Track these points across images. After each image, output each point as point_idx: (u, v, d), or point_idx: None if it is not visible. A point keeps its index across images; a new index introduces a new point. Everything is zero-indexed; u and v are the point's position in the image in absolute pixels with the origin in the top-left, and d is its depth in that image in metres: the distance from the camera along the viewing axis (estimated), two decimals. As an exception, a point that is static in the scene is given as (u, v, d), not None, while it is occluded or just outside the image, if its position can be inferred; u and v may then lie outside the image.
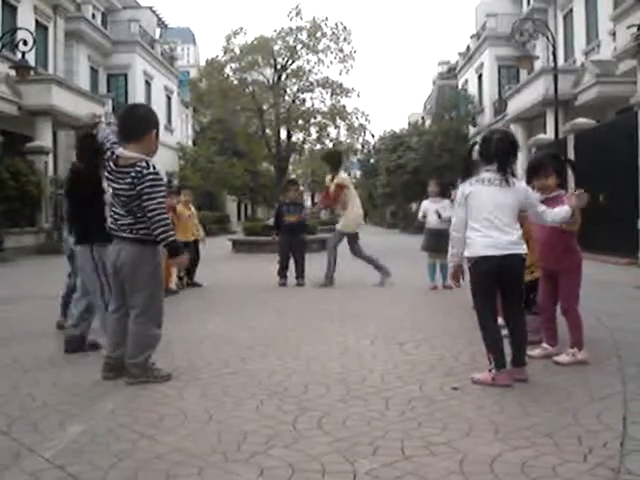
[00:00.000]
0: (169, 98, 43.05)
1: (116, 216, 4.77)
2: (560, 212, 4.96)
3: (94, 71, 34.48)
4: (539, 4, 28.75)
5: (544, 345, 5.52)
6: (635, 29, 10.56)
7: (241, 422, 3.78)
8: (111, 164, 4.73)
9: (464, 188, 4.80)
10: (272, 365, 5.23)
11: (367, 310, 8.30)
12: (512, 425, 3.72)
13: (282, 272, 11.37)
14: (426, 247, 10.87)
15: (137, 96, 35.73)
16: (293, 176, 60.65)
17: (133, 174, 4.58)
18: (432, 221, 10.73)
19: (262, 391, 4.44)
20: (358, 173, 75.05)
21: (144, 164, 4.62)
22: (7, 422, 3.82)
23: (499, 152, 4.74)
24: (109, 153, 4.78)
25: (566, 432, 3.61)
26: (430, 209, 10.84)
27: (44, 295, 9.70)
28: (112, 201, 4.82)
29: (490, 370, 4.67)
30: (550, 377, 4.86)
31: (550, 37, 18.87)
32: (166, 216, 4.68)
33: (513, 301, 4.82)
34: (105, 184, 5.00)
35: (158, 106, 39.15)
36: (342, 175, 11.60)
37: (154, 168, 4.67)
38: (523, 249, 4.70)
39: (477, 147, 4.95)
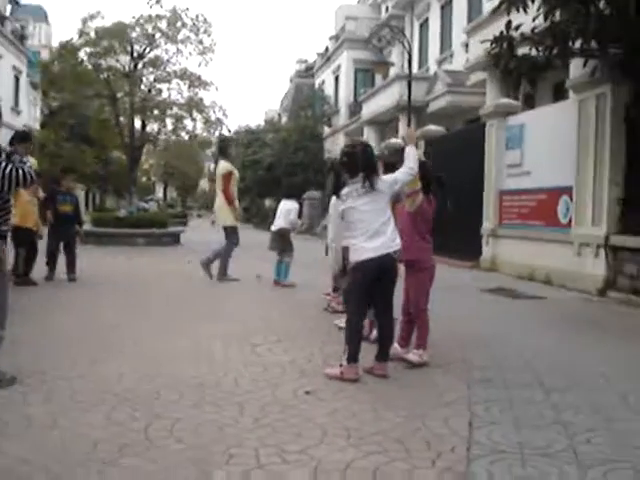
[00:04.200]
0: (17, 79, 40.85)
1: None
2: (407, 159, 5.15)
3: None
4: (397, 11, 29.49)
5: (395, 345, 5.66)
6: (488, 44, 10.99)
7: (89, 430, 3.62)
8: None
9: (337, 205, 5.00)
10: (122, 368, 5.05)
11: (219, 309, 8.22)
12: (364, 430, 3.78)
13: (52, 264, 10.78)
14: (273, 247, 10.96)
15: (-18, 75, 33.72)
16: (146, 166, 59.25)
17: None
18: (279, 222, 10.80)
19: (113, 396, 4.28)
20: (212, 166, 74.43)
21: None
22: None
23: (364, 165, 4.88)
24: None
25: (416, 437, 3.70)
26: (281, 210, 10.91)
27: None
28: None
29: (341, 364, 4.89)
30: (400, 378, 5.00)
31: (406, 44, 19.41)
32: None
33: (386, 299, 5.08)
34: None
35: (5, 87, 37.15)
36: (223, 164, 11.31)
37: None
38: (397, 245, 4.96)
39: (341, 161, 5.06)
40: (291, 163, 37.69)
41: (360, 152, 5.01)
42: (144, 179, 71.18)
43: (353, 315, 5.02)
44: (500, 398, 4.55)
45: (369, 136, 28.61)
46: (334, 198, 5.09)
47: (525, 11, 9.86)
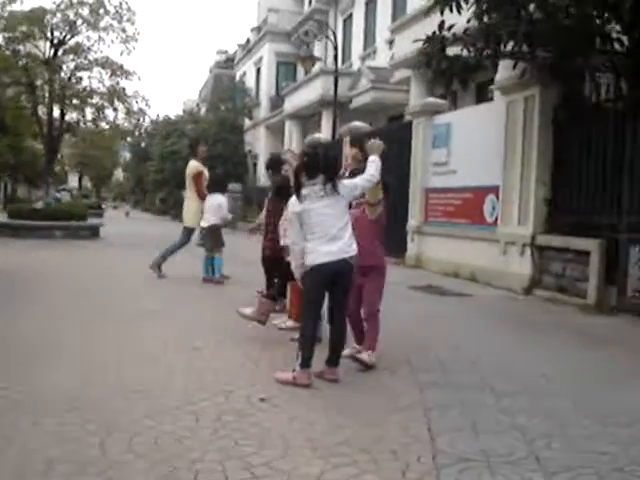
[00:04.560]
0: None
1: None
2: (370, 167, 5.15)
3: None
4: (320, 5, 29.51)
5: (354, 345, 5.69)
6: (415, 42, 11.09)
7: (43, 446, 3.42)
8: None
9: (295, 206, 4.94)
10: (60, 376, 4.81)
11: (153, 309, 8.00)
12: (326, 440, 3.71)
13: None
14: (204, 244, 10.81)
15: None
16: (59, 156, 57.39)
17: None
18: (209, 218, 10.65)
19: (57, 407, 4.07)
20: (128, 156, 72.97)
21: None
22: None
23: (325, 167, 4.82)
24: None
25: (380, 446, 3.66)
26: (211, 205, 10.73)
27: None
28: None
29: (293, 370, 4.82)
30: (351, 382, 4.98)
31: (332, 40, 19.42)
32: None
33: (340, 303, 5.07)
34: None
35: None
36: (193, 163, 11.20)
37: None
38: (353, 251, 4.93)
39: (302, 162, 4.99)
40: (210, 155, 37.23)
41: (322, 154, 4.97)
42: (57, 168, 69.14)
43: (307, 319, 4.94)
44: (452, 402, 4.56)
45: (291, 130, 28.60)
46: (293, 198, 4.99)
47: (459, 12, 9.97)
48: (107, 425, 3.77)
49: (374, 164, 5.19)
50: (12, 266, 11.77)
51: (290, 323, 6.81)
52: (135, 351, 5.71)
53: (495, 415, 4.34)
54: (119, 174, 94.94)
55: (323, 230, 4.85)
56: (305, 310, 5.01)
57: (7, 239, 17.66)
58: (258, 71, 38.33)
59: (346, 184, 5.01)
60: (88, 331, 6.50)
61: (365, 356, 5.46)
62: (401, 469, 3.35)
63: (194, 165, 11.13)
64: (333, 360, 5.01)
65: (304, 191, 4.89)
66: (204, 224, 10.71)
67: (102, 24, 31.17)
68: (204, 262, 10.73)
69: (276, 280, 6.90)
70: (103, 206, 54.46)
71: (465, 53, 10.49)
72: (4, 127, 38.13)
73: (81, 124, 34.18)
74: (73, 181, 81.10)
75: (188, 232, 11.14)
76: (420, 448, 3.65)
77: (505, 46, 10.17)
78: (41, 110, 32.16)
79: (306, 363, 4.80)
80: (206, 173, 11.19)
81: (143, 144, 57.44)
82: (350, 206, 5.32)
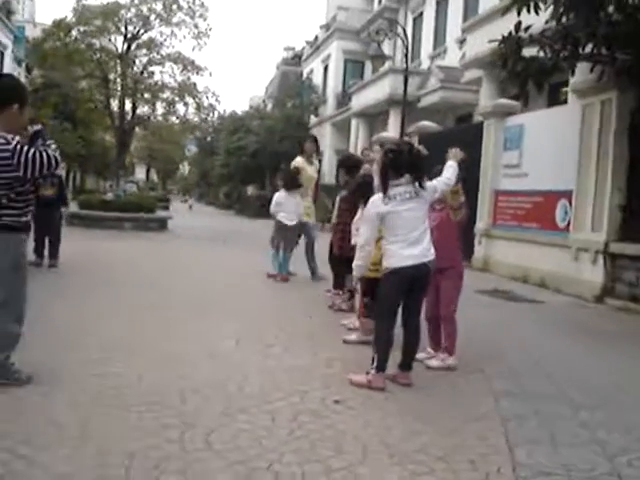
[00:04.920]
0: (2, 54, 40.13)
1: None
2: (447, 171, 5.15)
3: None
4: (390, 3, 29.35)
5: (429, 350, 5.67)
6: (489, 42, 10.92)
7: (123, 440, 3.47)
8: None
9: (379, 207, 4.82)
10: (139, 368, 4.87)
11: (225, 304, 8.08)
12: (403, 447, 3.67)
13: (39, 251, 10.65)
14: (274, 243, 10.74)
15: (-34, 49, 33.04)
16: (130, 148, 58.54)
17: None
18: (287, 216, 10.58)
19: (136, 400, 4.12)
20: (194, 150, 73.93)
21: (2, 140, 4.13)
22: None
23: (412, 166, 4.76)
24: None
25: (458, 455, 3.60)
26: (286, 203, 10.65)
27: None
28: None
29: (367, 372, 4.79)
30: (425, 387, 4.92)
31: (403, 38, 19.29)
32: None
33: (416, 307, 5.02)
34: None
35: (-11, 61, 36.44)
36: (297, 159, 11.15)
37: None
38: (432, 255, 4.86)
39: (386, 159, 4.92)
40: (277, 152, 37.48)
41: (407, 151, 4.90)
42: (127, 160, 70.46)
43: (382, 322, 4.90)
44: (528, 413, 4.47)
45: (357, 128, 28.54)
46: (375, 197, 4.93)
47: (537, 12, 9.78)
48: (185, 421, 3.80)
49: (452, 169, 5.19)
50: (86, 256, 12.04)
51: (358, 323, 6.77)
52: (208, 346, 5.72)
53: (573, 428, 4.24)
54: (185, 168, 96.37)
55: (406, 233, 4.78)
56: (380, 313, 4.97)
57: (77, 228, 18.04)
58: (325, 68, 38.34)
59: (428, 186, 4.94)
60: (163, 324, 6.58)
61: (435, 362, 5.44)
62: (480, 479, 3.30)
63: (295, 160, 11.12)
64: (406, 364, 4.97)
65: (389, 191, 4.80)
66: (292, 223, 10.59)
67: (175, 19, 31.69)
68: (275, 258, 10.69)
69: (366, 299, 6.54)
70: (170, 199, 55.31)
71: (541, 55, 10.28)
72: (75, 119, 39.05)
73: (152, 118, 34.74)
74: (140, 173, 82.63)
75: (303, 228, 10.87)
76: (499, 459, 3.59)
77: (583, 48, 9.95)
78: (113, 103, 32.81)
79: (381, 366, 4.76)
80: (309, 170, 10.93)
81: (209, 139, 58.14)
82: (432, 209, 5.30)
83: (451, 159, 5.27)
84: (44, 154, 4.21)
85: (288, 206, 10.54)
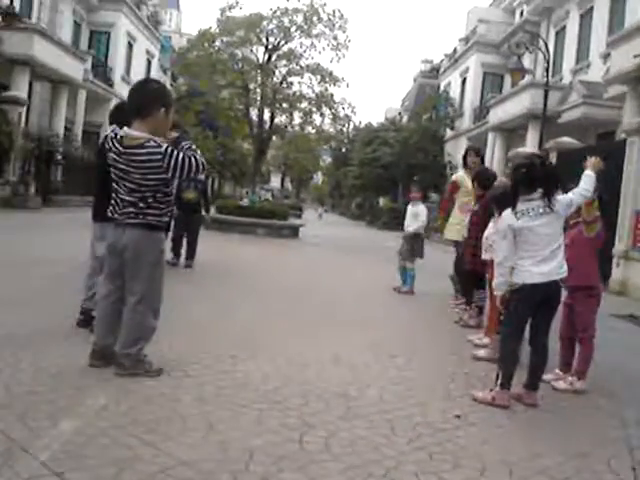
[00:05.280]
0: (149, 62, 42.23)
1: (122, 203, 4.45)
2: (584, 181, 4.91)
3: (77, 25, 33.56)
4: (532, 17, 28.69)
5: (557, 371, 5.51)
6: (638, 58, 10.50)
7: (245, 435, 3.56)
8: (116, 145, 4.40)
9: (512, 221, 4.71)
10: (265, 368, 5.00)
11: (351, 312, 8.16)
12: (524, 467, 3.57)
13: (176, 250, 11.10)
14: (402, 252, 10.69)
15: (118, 57, 34.96)
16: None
17: (144, 157, 4.29)
18: (410, 226, 10.56)
19: (260, 398, 4.23)
20: (328, 160, 74.95)
21: (152, 143, 4.34)
22: (-7, 407, 3.57)
23: (544, 181, 4.64)
24: (112, 134, 4.48)
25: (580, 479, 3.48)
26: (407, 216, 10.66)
27: (13, 258, 9.34)
28: (115, 187, 4.52)
29: (491, 390, 4.70)
30: (551, 410, 4.76)
31: (545, 52, 18.82)
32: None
33: (545, 326, 4.87)
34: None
35: (138, 69, 38.39)
36: (458, 173, 10.78)
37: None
38: (564, 272, 4.73)
39: (517, 174, 4.82)
40: (411, 164, 37.43)
41: (539, 165, 4.77)
42: (263, 168, 72.34)
43: (509, 338, 4.79)
44: (661, 444, 4.25)
45: (494, 142, 28.05)
46: (507, 211, 4.82)
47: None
48: (305, 422, 3.86)
49: (589, 179, 4.93)
50: (220, 258, 12.45)
51: (487, 340, 6.64)
52: (334, 353, 5.77)
53: None
54: (319, 177, 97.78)
55: (537, 250, 4.65)
56: (507, 330, 4.86)
57: (213, 232, 18.72)
58: (463, 81, 37.93)
59: (561, 200, 4.76)
60: (291, 328, 6.73)
61: (562, 384, 5.27)
62: (604, 508, 3.18)
63: (456, 174, 10.53)
64: (532, 384, 4.83)
65: (521, 206, 4.69)
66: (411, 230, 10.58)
67: (315, 31, 32.15)
68: (403, 271, 10.66)
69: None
70: (302, 208, 56.37)
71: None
72: (215, 126, 40.45)
73: (289, 127, 35.47)
74: (275, 181, 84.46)
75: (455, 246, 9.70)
76: (623, 488, 3.44)
77: None
78: (252, 112, 33.69)
79: (506, 384, 4.66)
80: (467, 185, 9.17)
81: (344, 149, 58.77)
82: (565, 226, 5.13)
83: (589, 168, 5.02)
84: (192, 158, 4.40)
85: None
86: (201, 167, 4.49)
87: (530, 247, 4.67)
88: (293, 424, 3.82)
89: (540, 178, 4.67)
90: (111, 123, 5.14)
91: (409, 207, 10.79)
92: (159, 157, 4.32)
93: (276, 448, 3.44)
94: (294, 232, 21.03)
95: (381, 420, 4.07)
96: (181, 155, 4.37)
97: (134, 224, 4.41)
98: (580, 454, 3.87)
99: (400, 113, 57.73)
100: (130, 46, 37.56)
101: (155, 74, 43.77)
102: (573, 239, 5.28)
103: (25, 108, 22.60)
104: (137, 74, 37.83)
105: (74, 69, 25.92)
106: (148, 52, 41.34)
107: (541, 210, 4.63)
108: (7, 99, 21.15)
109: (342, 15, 32.23)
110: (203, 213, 11.59)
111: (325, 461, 3.34)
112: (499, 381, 4.67)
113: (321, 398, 4.38)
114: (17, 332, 5.28)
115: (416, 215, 10.55)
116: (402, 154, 39.09)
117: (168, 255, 10.65)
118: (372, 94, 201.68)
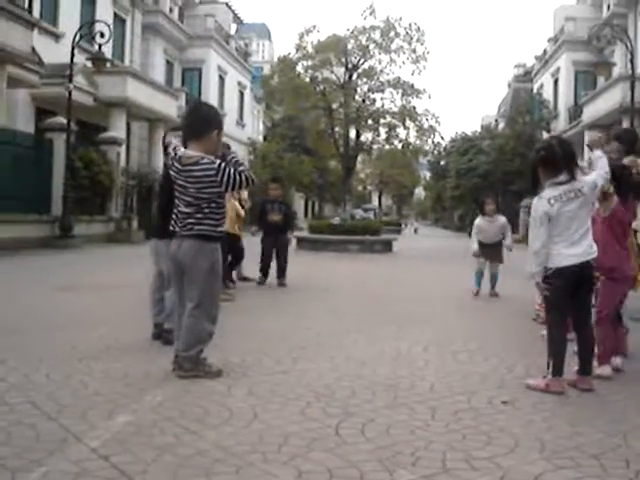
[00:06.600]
0: (242, 93, 43.52)
1: (181, 215, 4.83)
2: (597, 162, 4.94)
3: (169, 65, 35.09)
4: (619, 9, 28.02)
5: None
6: None
7: (285, 423, 3.79)
8: (176, 164, 4.82)
9: (544, 207, 4.72)
10: (323, 367, 5.23)
11: (424, 315, 8.27)
12: (559, 444, 3.63)
13: (264, 270, 11.41)
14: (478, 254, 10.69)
15: (211, 91, 36.24)
16: (362, 175, 60.66)
17: (199, 173, 4.68)
18: (488, 237, 10.59)
19: (309, 392, 4.45)
20: (428, 174, 74.83)
21: (206, 160, 4.70)
22: (57, 408, 3.92)
23: (565, 158, 4.68)
24: (172, 154, 4.88)
25: (614, 454, 3.51)
26: (489, 231, 10.66)
27: (105, 284, 9.92)
28: (176, 202, 4.89)
29: (545, 376, 4.74)
30: (603, 394, 4.75)
31: (628, 44, 18.39)
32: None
33: (585, 307, 4.90)
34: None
35: (231, 101, 39.69)
36: None
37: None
38: (595, 252, 4.77)
39: (539, 156, 4.87)
40: (506, 171, 36.95)
41: (557, 145, 4.80)
42: (360, 188, 72.89)
43: (554, 325, 4.83)
44: None
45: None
46: (537, 198, 4.86)
47: None
48: (347, 411, 4.05)
49: (601, 160, 4.96)
50: (309, 275, 12.79)
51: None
52: (397, 351, 5.95)
53: None
54: (420, 192, 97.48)
55: (568, 233, 4.68)
56: (550, 316, 4.89)
57: (305, 251, 19.16)
58: (556, 82, 37.25)
59: (587, 181, 4.77)
60: (361, 332, 6.91)
61: (602, 369, 5.18)
62: (628, 477, 3.20)
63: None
64: (584, 369, 4.83)
65: (553, 192, 4.72)
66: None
67: (393, 46, 32.33)
68: (476, 274, 10.68)
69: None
70: (402, 223, 56.43)
71: None
72: (308, 149, 41.18)
73: (374, 144, 35.73)
74: (374, 200, 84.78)
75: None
76: (657, 462, 3.44)
77: None
78: (337, 132, 34.13)
79: (558, 371, 4.69)
80: None
81: (442, 162, 58.51)
82: None
83: (594, 149, 5.07)
84: (242, 174, 4.77)
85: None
86: (250, 182, 4.84)
87: (562, 231, 4.69)
88: (334, 412, 4.02)
89: (560, 159, 4.70)
90: None
91: (485, 221, 10.75)
92: (213, 172, 4.71)
93: (311, 433, 3.65)
94: (387, 246, 21.18)
95: (424, 407, 4.21)
96: (232, 170, 4.75)
97: (190, 235, 4.78)
98: (620, 432, 3.88)
99: (497, 120, 56.97)
100: (222, 79, 38.88)
101: (249, 104, 45.09)
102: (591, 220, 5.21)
103: (124, 147, 23.77)
104: (230, 106, 39.08)
105: (168, 106, 27.03)
106: (240, 84, 42.62)
107: (572, 194, 4.66)
108: (105, 140, 22.32)
109: (419, 28, 32.30)
110: (289, 234, 11.98)
111: (357, 443, 3.53)
112: (550, 369, 4.70)
113: (369, 390, 4.56)
114: (95, 345, 5.73)
115: (503, 228, 10.61)
116: (498, 161, 38.64)
117: (257, 274, 11.13)
118: (467, 103, 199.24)
